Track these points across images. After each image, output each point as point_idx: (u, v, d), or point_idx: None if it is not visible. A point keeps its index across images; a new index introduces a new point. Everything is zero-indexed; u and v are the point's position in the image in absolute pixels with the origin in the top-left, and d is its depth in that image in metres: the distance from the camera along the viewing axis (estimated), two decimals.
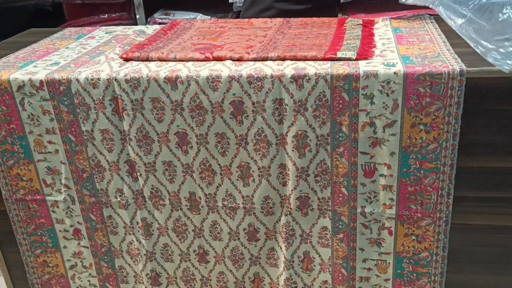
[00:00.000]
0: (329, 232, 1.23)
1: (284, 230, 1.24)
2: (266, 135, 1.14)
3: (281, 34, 1.35)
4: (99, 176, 1.26)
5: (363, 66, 1.08)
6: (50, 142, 1.25)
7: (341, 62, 1.11)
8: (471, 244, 1.22)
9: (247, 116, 1.13)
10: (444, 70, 1.02)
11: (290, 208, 1.22)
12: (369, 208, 1.19)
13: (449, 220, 1.16)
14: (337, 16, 1.80)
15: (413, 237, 1.20)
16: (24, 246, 1.40)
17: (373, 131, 1.11)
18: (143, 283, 1.38)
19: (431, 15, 1.86)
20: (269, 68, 1.11)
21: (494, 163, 1.14)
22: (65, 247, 1.39)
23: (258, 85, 1.10)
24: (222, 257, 1.31)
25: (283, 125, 1.13)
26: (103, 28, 1.62)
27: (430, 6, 1.30)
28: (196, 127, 1.17)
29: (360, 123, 1.10)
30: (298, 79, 1.08)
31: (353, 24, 1.40)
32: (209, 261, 1.32)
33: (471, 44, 1.15)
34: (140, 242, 1.32)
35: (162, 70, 1.15)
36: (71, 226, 1.35)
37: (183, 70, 1.14)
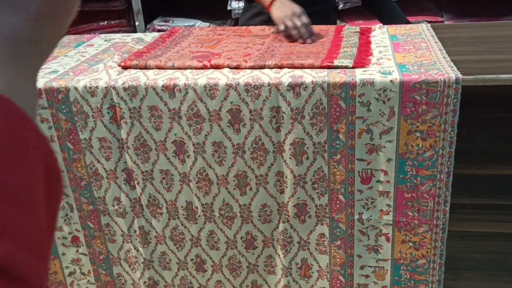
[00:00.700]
0: (326, 239, 1.24)
1: (281, 237, 1.25)
2: (264, 143, 1.15)
3: (278, 42, 1.36)
4: (97, 184, 1.27)
5: (359, 74, 1.09)
6: None
7: (338, 70, 1.12)
8: (468, 251, 1.23)
9: (245, 124, 1.14)
10: (440, 78, 1.03)
11: (288, 216, 1.22)
12: (366, 215, 1.19)
13: (446, 227, 1.17)
14: (335, 22, 1.81)
15: (411, 244, 1.20)
16: None
17: (370, 138, 1.11)
18: None
19: (429, 22, 1.87)
20: (266, 76, 1.12)
21: (490, 170, 1.14)
22: (63, 254, 1.39)
23: (255, 93, 1.11)
24: (220, 266, 1.31)
25: (280, 133, 1.14)
26: (102, 35, 1.63)
27: None
28: (193, 135, 1.17)
29: (357, 130, 1.11)
30: (295, 87, 1.09)
31: (350, 31, 1.41)
32: (206, 270, 1.32)
33: None
34: (137, 250, 1.32)
35: (160, 78, 1.16)
36: (69, 233, 1.35)
37: (181, 78, 1.15)
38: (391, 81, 1.05)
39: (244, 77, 1.12)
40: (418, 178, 1.13)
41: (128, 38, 1.56)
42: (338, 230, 1.22)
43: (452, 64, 1.11)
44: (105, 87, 1.17)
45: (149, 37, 1.53)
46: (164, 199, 1.26)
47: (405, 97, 1.06)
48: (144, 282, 1.36)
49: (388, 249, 1.22)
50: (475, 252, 1.23)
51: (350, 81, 1.07)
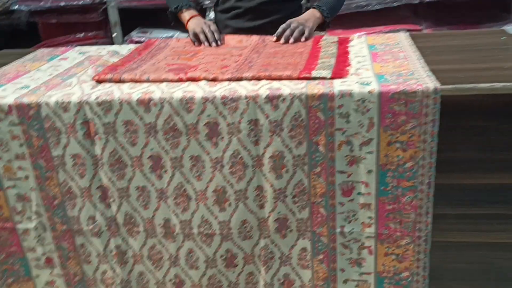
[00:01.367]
0: (309, 253, 1.21)
1: (263, 253, 1.22)
2: (242, 157, 1.12)
3: (256, 53, 1.34)
4: (71, 203, 1.22)
5: (338, 85, 1.07)
6: (20, 168, 1.21)
7: (316, 81, 1.10)
8: (452, 261, 1.21)
9: (222, 137, 1.11)
10: (418, 89, 1.02)
11: (269, 231, 1.19)
12: (348, 228, 1.17)
13: (429, 239, 1.15)
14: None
15: (393, 257, 1.18)
16: None
17: (350, 149, 1.09)
18: None
19: (407, 30, 1.87)
20: (243, 89, 1.10)
21: (472, 179, 1.13)
22: (37, 276, 1.34)
23: (232, 106, 1.09)
24: (199, 286, 1.27)
25: (259, 146, 1.11)
26: (77, 48, 1.59)
27: None
28: (170, 149, 1.14)
29: (336, 142, 1.09)
30: (273, 99, 1.07)
31: (329, 42, 1.39)
32: None
33: None
34: (114, 271, 1.28)
35: (135, 92, 1.13)
36: (43, 254, 1.30)
37: (156, 91, 1.12)
38: (369, 92, 1.03)
39: (221, 90, 1.10)
40: (399, 190, 1.11)
41: (103, 51, 1.53)
42: (320, 244, 1.19)
43: (430, 73, 1.10)
44: (78, 102, 1.13)
45: (125, 49, 1.50)
46: (141, 217, 1.22)
47: (384, 108, 1.04)
48: None
49: (371, 262, 1.19)
50: (460, 262, 1.22)
51: (329, 93, 1.05)
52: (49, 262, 1.31)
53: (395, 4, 2.24)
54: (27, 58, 1.53)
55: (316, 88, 1.06)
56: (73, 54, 1.52)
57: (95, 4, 2.43)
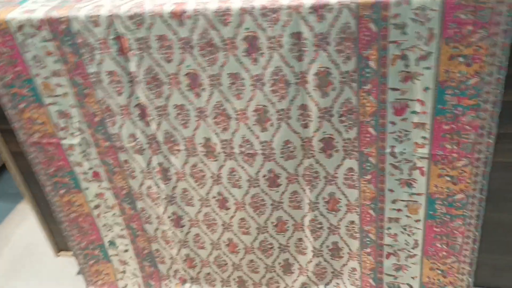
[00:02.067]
0: (356, 173, 1.15)
1: (307, 173, 1.17)
2: (285, 74, 1.03)
3: None
4: (111, 120, 1.20)
5: None
6: (58, 85, 1.19)
7: None
8: None
9: (263, 53, 1.02)
10: None
11: (313, 151, 1.13)
12: (399, 148, 1.09)
13: (489, 161, 1.05)
14: None
15: (448, 178, 1.10)
16: (48, 187, 1.39)
17: (405, 65, 0.98)
18: (166, 224, 1.37)
19: None
20: None
21: None
22: (87, 188, 1.37)
23: (273, 17, 0.98)
24: (243, 204, 1.26)
25: (302, 62, 1.02)
26: None
27: None
28: (207, 66, 1.06)
29: (389, 57, 0.97)
30: (318, 9, 0.95)
31: None
32: (229, 208, 1.28)
33: None
34: (158, 187, 1.29)
35: (167, 3, 1.03)
36: (89, 168, 1.32)
37: (190, 2, 1.02)
38: None
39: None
40: (459, 108, 1.00)
41: None
42: (368, 164, 1.13)
43: None
44: (108, 16, 1.05)
45: None
46: (181, 136, 1.18)
47: (448, 17, 0.90)
48: (168, 217, 1.34)
49: (422, 183, 1.12)
50: None
51: (382, 0, 0.91)
52: (96, 175, 1.33)
53: None
54: None
55: None
56: None
57: None
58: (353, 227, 1.25)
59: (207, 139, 1.17)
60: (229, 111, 1.12)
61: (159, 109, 1.15)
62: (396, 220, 1.20)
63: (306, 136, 1.12)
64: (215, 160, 1.20)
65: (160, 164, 1.25)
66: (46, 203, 1.46)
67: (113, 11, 1.05)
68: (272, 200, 1.24)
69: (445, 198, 1.13)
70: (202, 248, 1.40)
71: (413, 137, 1.07)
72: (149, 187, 1.30)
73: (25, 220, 1.97)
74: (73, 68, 1.15)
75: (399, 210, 1.18)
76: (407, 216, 1.19)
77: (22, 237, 1.91)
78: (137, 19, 1.04)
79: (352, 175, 1.16)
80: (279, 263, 1.38)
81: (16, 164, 1.44)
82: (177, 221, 1.34)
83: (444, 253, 1.21)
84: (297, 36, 0.99)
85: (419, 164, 1.10)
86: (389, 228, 1.22)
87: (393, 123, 1.06)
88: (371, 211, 1.20)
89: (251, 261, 1.39)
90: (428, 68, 0.97)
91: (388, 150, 1.10)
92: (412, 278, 1.29)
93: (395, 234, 1.22)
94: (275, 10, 0.97)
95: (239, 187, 1.22)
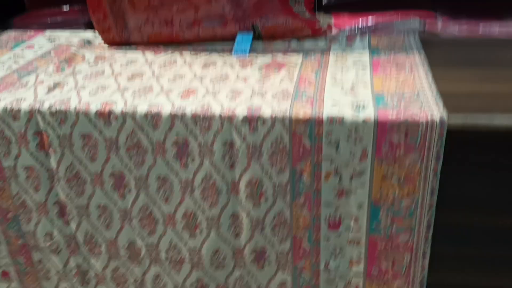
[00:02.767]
0: (289, 287, 1.08)
1: (238, 284, 1.09)
2: (215, 181, 0.98)
3: None
4: (25, 217, 1.10)
5: (327, 108, 0.91)
6: None
7: (302, 101, 0.94)
8: None
9: (193, 159, 0.97)
10: (422, 121, 0.86)
11: (244, 261, 1.06)
12: (334, 264, 1.04)
13: (424, 281, 1.01)
14: None
15: None
16: None
17: (339, 180, 0.95)
18: None
19: (421, 18, 1.67)
20: (218, 105, 0.94)
21: (478, 219, 0.99)
22: None
23: (205, 125, 0.93)
24: None
25: (234, 170, 0.97)
26: (47, 33, 1.43)
27: None
28: (134, 168, 1.00)
29: (323, 172, 0.94)
30: (251, 121, 0.92)
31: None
32: None
33: None
34: None
35: (93, 102, 0.98)
36: None
37: (119, 102, 0.97)
38: (364, 121, 0.87)
39: (193, 106, 0.95)
40: (393, 228, 0.97)
41: (75, 39, 1.36)
42: (302, 278, 1.06)
43: (438, 96, 0.93)
44: (29, 111, 0.98)
45: (99, 39, 1.34)
46: (103, 237, 1.09)
47: (380, 138, 0.89)
48: None
49: None
50: None
51: (316, 117, 0.89)
52: (5, 275, 1.20)
53: None
54: None
55: (302, 110, 0.91)
56: (41, 41, 1.36)
57: None
58: None
59: (131, 242, 1.08)
60: (156, 214, 1.04)
61: (79, 208, 1.06)
62: None
63: (238, 246, 1.05)
64: (139, 264, 1.11)
65: (78, 266, 1.14)
66: None
67: (35, 105, 0.98)
68: None
69: None
70: None
71: (348, 253, 1.02)
72: None
73: None
74: None
75: None
76: None
77: None
78: (61, 115, 0.97)
79: None
80: None
81: None
82: None
83: None
84: (229, 144, 0.94)
85: (354, 280, 1.05)
86: None
87: (327, 238, 1.01)
88: None
89: None
90: (362, 186, 0.94)
91: (322, 265, 1.04)
92: None
93: None
94: (207, 118, 0.93)
95: None
